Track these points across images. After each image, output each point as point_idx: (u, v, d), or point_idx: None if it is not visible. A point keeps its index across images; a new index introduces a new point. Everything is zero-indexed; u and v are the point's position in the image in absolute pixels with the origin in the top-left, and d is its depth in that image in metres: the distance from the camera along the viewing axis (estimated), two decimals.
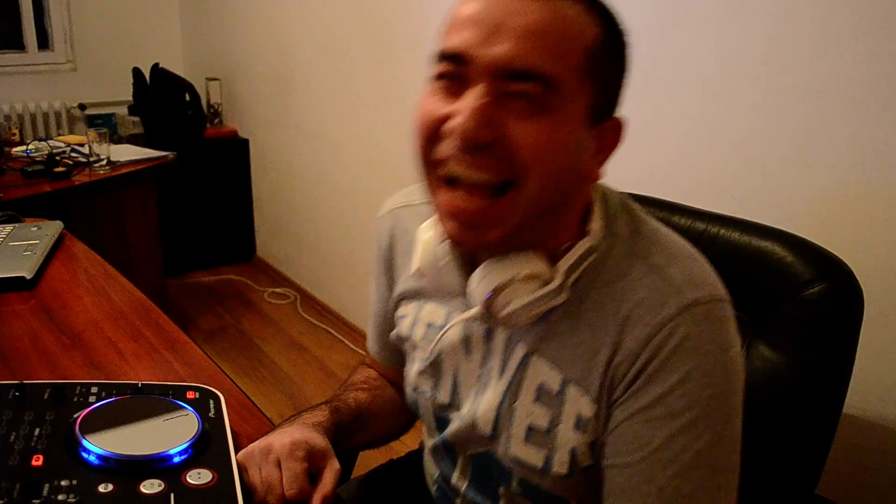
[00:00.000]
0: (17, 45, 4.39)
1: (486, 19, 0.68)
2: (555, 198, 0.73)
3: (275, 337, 3.28)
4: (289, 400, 2.76)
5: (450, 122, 0.70)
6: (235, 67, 4.04)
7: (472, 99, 0.68)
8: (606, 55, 0.72)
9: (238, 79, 4.03)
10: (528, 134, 0.68)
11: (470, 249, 0.78)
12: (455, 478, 0.94)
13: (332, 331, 3.30)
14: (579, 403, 0.76)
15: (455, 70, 0.70)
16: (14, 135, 3.10)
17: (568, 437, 0.77)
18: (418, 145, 0.74)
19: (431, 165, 0.74)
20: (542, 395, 0.79)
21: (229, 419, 0.84)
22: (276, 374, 2.94)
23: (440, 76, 0.72)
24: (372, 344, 1.10)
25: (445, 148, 0.71)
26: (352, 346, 3.16)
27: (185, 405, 0.81)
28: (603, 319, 0.75)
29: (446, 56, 0.71)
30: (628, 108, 0.77)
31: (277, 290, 3.76)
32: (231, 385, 0.99)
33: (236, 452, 0.78)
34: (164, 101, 3.81)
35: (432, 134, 0.72)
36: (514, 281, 0.74)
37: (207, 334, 3.27)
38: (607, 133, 0.75)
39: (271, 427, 0.90)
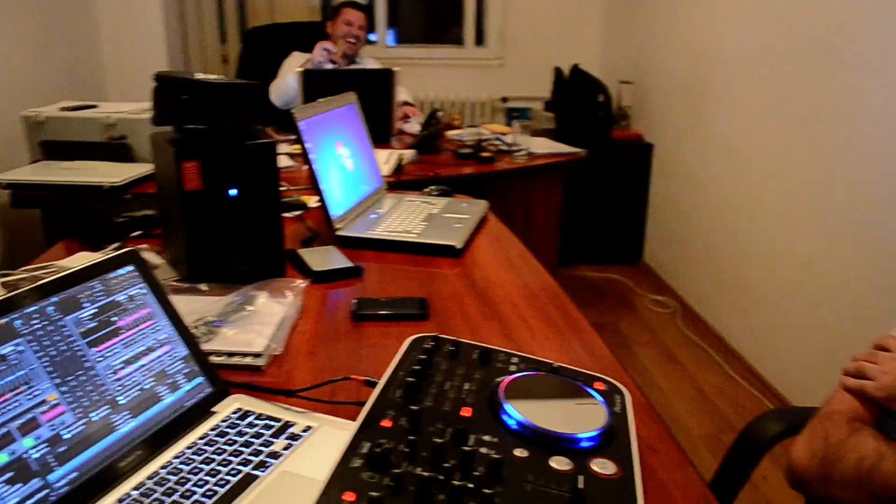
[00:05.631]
0: (459, 41, 4.92)
1: None
2: None
3: (651, 344, 3.25)
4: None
5: None
6: (650, 72, 4.05)
7: None
8: None
9: (651, 83, 4.04)
10: None
11: None
12: None
13: (710, 350, 3.18)
14: None
15: None
16: (457, 119, 3.48)
17: None
18: None
19: None
20: None
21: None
22: (647, 382, 2.92)
23: None
24: None
25: None
26: (728, 370, 3.01)
27: (595, 394, 0.84)
28: None
29: None
30: None
31: (659, 297, 3.72)
32: (632, 385, 0.99)
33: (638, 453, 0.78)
34: (578, 100, 3.97)
35: None
36: None
37: None
38: None
39: (669, 435, 0.89)
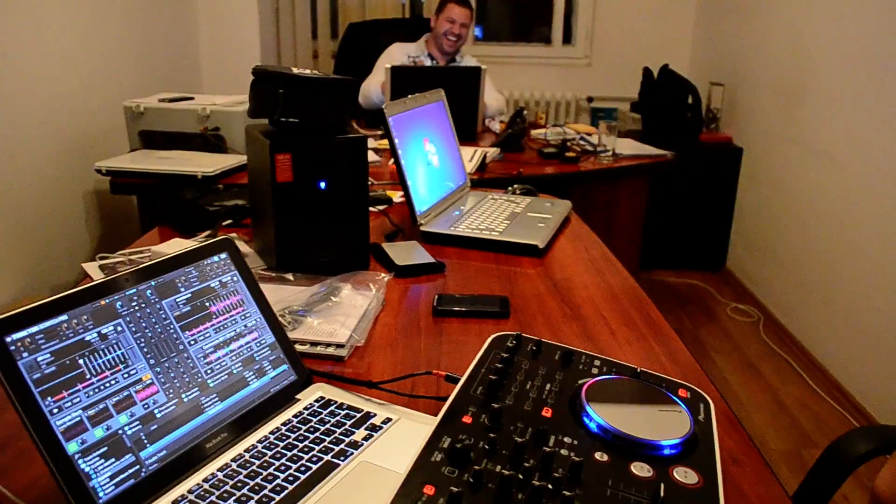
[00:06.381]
0: (546, 39, 4.90)
1: None
2: None
3: (731, 353, 3.17)
4: None
5: None
6: (742, 73, 3.94)
7: None
8: None
9: (742, 85, 3.93)
10: None
11: None
12: None
13: (792, 362, 3.08)
14: None
15: None
16: (542, 118, 3.46)
17: None
18: None
19: None
20: None
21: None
22: (726, 392, 2.84)
23: None
24: None
25: None
26: (812, 384, 2.91)
27: (679, 401, 0.82)
28: None
29: None
30: None
31: (741, 306, 3.62)
32: (716, 394, 0.97)
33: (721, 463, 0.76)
34: (666, 101, 3.89)
35: None
36: None
37: None
38: None
39: (753, 447, 0.86)
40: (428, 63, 3.36)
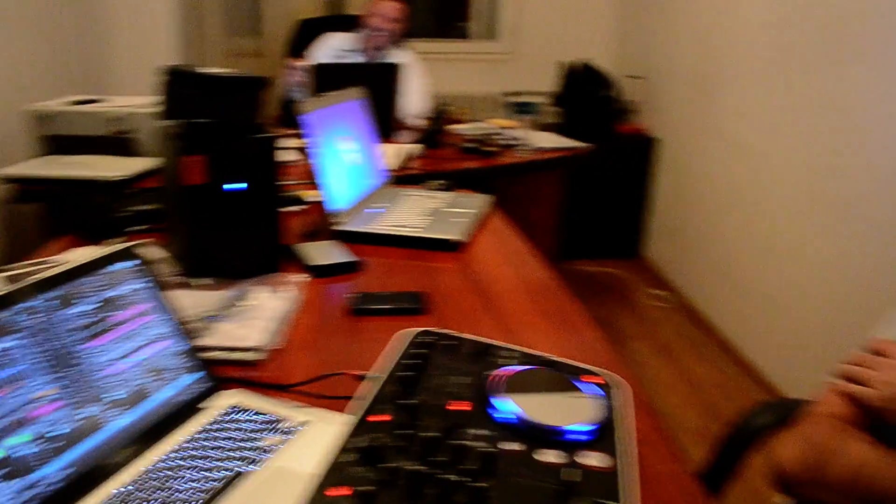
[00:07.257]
0: (465, 35, 4.93)
1: None
2: None
3: (646, 337, 3.26)
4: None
5: None
6: (659, 66, 4.04)
7: None
8: None
9: (659, 78, 4.03)
10: None
11: None
12: None
13: (707, 344, 3.21)
14: None
15: None
16: (465, 114, 3.45)
17: None
18: None
19: None
20: None
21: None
22: (642, 376, 2.93)
23: None
24: None
25: None
26: (724, 364, 3.06)
27: (593, 388, 0.84)
28: None
29: None
30: None
31: (657, 291, 3.72)
32: (632, 379, 0.99)
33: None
34: (586, 95, 3.96)
35: None
36: None
37: None
38: None
39: (662, 428, 0.89)
40: (357, 59, 3.29)
